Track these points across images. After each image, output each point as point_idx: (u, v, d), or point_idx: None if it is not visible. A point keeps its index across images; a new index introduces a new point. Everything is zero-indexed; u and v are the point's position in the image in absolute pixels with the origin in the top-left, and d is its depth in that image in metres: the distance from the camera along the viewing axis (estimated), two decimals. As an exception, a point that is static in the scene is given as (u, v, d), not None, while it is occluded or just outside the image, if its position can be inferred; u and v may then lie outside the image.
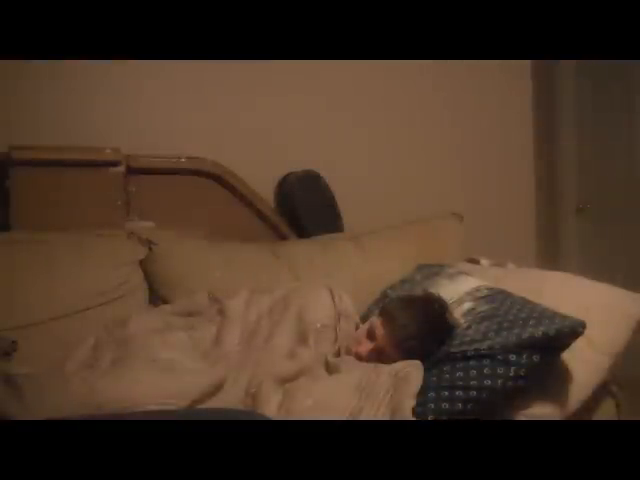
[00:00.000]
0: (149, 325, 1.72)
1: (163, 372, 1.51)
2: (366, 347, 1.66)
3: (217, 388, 1.48)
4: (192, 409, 1.38)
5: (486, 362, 1.47)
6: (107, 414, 1.27)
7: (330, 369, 1.62)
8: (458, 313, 1.66)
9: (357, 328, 1.77)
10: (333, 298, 1.77)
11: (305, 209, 2.44)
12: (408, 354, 1.57)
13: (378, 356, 1.63)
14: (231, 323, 1.75)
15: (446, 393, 1.45)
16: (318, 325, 1.71)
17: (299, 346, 1.67)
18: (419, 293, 1.77)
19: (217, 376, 1.51)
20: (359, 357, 1.65)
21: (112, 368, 1.56)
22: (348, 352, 1.69)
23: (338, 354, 1.69)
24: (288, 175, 2.48)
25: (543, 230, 3.08)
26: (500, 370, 1.46)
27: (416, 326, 1.61)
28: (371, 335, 1.67)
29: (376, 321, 1.68)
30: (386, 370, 1.50)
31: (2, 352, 1.62)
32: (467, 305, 1.67)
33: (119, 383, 1.40)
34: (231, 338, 1.72)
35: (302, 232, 2.43)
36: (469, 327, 1.59)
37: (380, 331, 1.65)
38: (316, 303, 1.76)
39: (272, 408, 1.46)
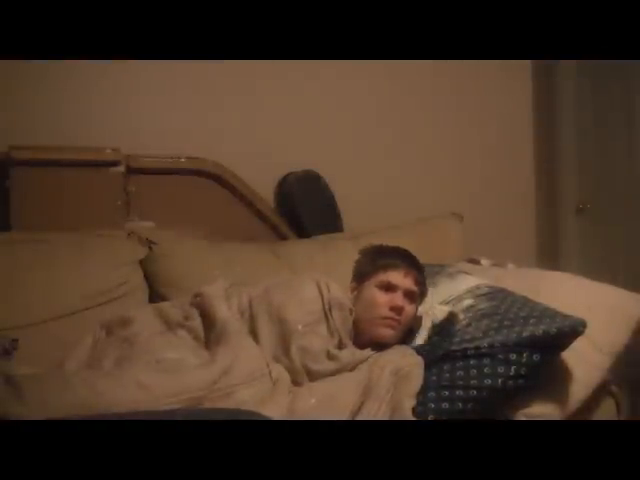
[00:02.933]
0: (152, 327, 1.69)
1: (168, 372, 1.48)
2: (398, 299, 1.67)
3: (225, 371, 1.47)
4: (192, 409, 1.37)
5: (486, 361, 1.47)
6: (106, 414, 1.26)
7: (334, 358, 1.60)
8: (458, 309, 1.66)
9: (351, 313, 1.73)
10: (320, 289, 1.73)
11: (305, 209, 2.44)
12: (423, 286, 1.74)
13: (411, 301, 1.69)
14: (215, 299, 1.70)
15: (446, 392, 1.45)
16: (299, 327, 1.65)
17: (283, 355, 1.61)
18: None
19: (221, 364, 1.49)
20: (399, 312, 1.66)
21: (115, 369, 1.54)
22: (361, 336, 1.69)
23: (340, 344, 1.66)
24: (288, 175, 2.48)
25: (543, 230, 3.08)
26: (500, 369, 1.46)
27: (412, 256, 1.75)
28: (389, 287, 1.68)
29: (385, 274, 1.70)
30: (388, 368, 1.50)
31: (3, 350, 1.62)
32: (467, 302, 1.67)
33: (122, 384, 1.38)
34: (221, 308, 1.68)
35: (302, 232, 2.43)
36: (469, 324, 1.59)
37: (398, 274, 1.69)
38: (296, 300, 1.70)
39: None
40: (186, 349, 1.61)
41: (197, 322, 1.68)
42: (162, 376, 1.45)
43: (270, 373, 1.53)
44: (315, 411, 1.42)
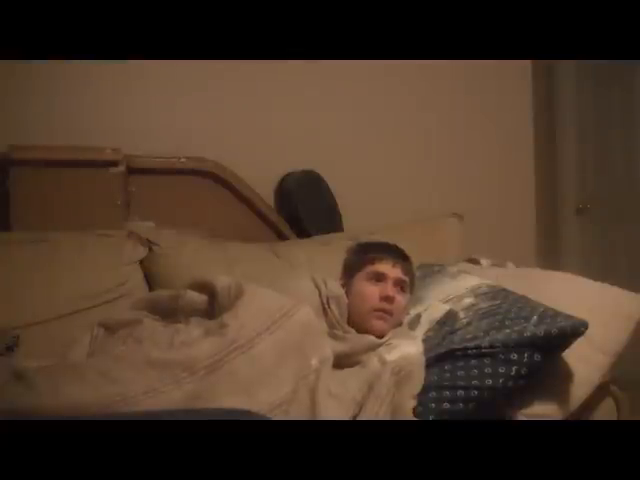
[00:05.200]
0: (156, 326, 1.67)
1: (178, 348, 1.45)
2: (388, 289, 1.67)
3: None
4: (191, 409, 1.37)
5: (487, 361, 1.47)
6: (103, 414, 1.26)
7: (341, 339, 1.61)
8: (458, 308, 1.66)
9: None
10: (317, 285, 1.71)
11: (305, 209, 2.44)
12: (412, 277, 1.76)
13: (401, 290, 1.70)
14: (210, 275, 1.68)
15: (447, 393, 1.45)
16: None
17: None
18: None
19: (233, 325, 1.45)
20: (390, 302, 1.66)
21: (125, 354, 1.49)
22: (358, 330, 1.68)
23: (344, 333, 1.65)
24: (288, 175, 2.48)
25: (543, 230, 3.08)
26: (502, 369, 1.46)
27: (399, 248, 1.78)
28: (378, 277, 1.69)
29: (373, 266, 1.71)
30: (389, 367, 1.50)
31: (5, 346, 1.62)
32: (468, 300, 1.67)
33: (134, 366, 1.37)
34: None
35: (302, 232, 2.43)
36: (470, 323, 1.59)
37: (386, 265, 1.70)
38: (291, 296, 1.64)
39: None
40: (192, 328, 1.56)
41: (188, 295, 1.65)
42: (173, 352, 1.42)
43: (290, 312, 1.51)
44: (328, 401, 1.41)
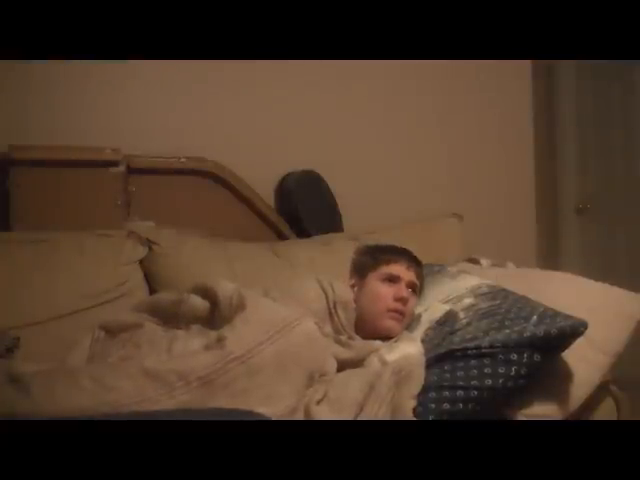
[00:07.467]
0: (156, 330, 1.67)
1: (174, 358, 1.44)
2: (402, 290, 1.69)
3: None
4: (190, 409, 1.37)
5: (487, 361, 1.47)
6: (103, 414, 1.25)
7: (347, 346, 1.60)
8: (458, 308, 1.66)
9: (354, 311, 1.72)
10: (324, 289, 1.70)
11: (305, 209, 2.44)
12: (422, 280, 1.79)
13: (413, 293, 1.73)
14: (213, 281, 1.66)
15: (447, 393, 1.45)
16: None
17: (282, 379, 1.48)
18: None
19: (231, 337, 1.43)
20: (404, 303, 1.68)
21: (121, 362, 1.50)
22: (364, 331, 1.68)
23: (349, 339, 1.65)
24: (288, 175, 2.48)
25: (543, 230, 3.08)
26: (501, 369, 1.46)
27: (411, 252, 1.80)
28: (392, 279, 1.71)
29: (387, 267, 1.73)
30: (390, 367, 1.50)
31: (5, 348, 1.61)
32: (467, 301, 1.67)
33: (128, 375, 1.35)
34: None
35: (302, 232, 2.42)
36: (470, 324, 1.59)
37: (401, 267, 1.72)
38: (295, 302, 1.63)
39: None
40: (192, 336, 1.55)
41: (191, 301, 1.63)
42: (168, 362, 1.41)
43: (293, 323, 1.48)
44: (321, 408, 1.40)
